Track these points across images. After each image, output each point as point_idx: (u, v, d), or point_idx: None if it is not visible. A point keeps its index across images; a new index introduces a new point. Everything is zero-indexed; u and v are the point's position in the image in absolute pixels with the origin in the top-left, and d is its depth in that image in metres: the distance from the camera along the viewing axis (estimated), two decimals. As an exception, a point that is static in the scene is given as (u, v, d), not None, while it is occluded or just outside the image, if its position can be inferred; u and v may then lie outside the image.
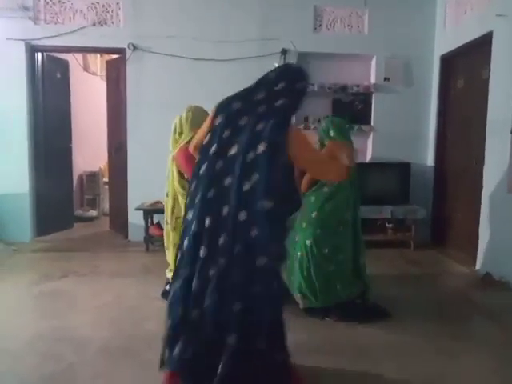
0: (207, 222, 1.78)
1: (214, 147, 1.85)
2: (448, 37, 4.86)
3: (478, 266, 4.09)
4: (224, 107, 1.93)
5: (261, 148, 1.74)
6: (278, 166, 1.76)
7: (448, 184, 4.95)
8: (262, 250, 1.72)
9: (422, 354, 2.54)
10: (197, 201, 1.84)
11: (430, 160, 5.21)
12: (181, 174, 3.08)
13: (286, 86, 1.92)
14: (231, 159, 1.79)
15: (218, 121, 1.89)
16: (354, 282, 3.09)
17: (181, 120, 3.09)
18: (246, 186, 1.74)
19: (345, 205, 3.05)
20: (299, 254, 3.03)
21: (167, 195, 3.22)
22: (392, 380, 2.29)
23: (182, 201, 3.06)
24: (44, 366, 2.36)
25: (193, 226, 1.82)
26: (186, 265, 1.85)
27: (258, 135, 1.77)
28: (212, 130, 1.90)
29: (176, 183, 3.11)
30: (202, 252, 1.79)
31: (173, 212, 3.17)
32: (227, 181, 1.78)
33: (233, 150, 1.80)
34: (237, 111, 1.88)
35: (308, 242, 2.99)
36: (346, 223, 3.06)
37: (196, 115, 3.02)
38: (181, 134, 3.08)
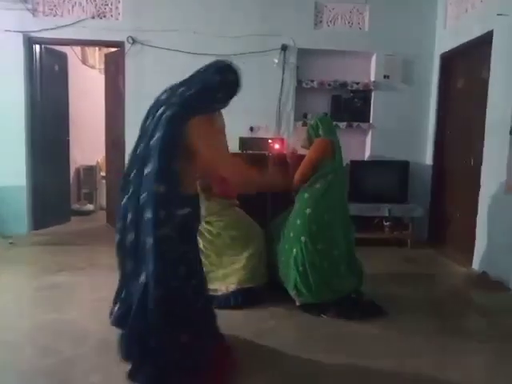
0: (124, 199, 1.96)
1: (138, 134, 2.05)
2: (448, 35, 4.86)
3: (474, 265, 4.11)
4: (156, 99, 2.06)
5: (157, 136, 1.88)
6: (173, 154, 1.87)
7: (446, 183, 4.96)
8: (150, 231, 1.84)
9: (419, 351, 2.56)
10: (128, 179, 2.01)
11: (428, 159, 5.22)
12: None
13: (200, 79, 2.05)
14: (145, 145, 1.95)
15: (147, 110, 2.05)
16: (349, 277, 3.11)
17: None
18: (146, 170, 1.88)
19: (338, 200, 3.11)
20: (294, 250, 3.04)
21: None
22: (391, 376, 2.31)
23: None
24: (42, 358, 2.37)
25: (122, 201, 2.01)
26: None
27: (159, 124, 1.90)
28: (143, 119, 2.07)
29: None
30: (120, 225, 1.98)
31: None
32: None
33: (145, 138, 1.96)
34: (159, 101, 2.02)
35: (303, 239, 3.01)
36: (340, 219, 3.11)
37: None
38: None
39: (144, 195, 1.86)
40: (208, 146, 1.93)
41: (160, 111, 1.93)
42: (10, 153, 4.87)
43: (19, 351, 2.46)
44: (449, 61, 4.97)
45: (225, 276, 3.09)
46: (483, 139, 4.06)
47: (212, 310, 2.22)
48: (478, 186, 4.09)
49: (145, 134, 1.97)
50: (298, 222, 3.07)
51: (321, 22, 5.08)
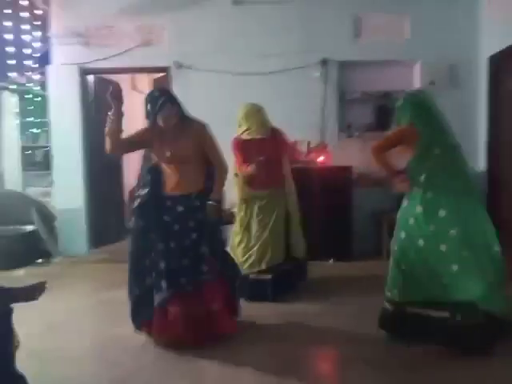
0: None
1: None
2: (496, 36, 4.70)
3: None
4: None
5: None
6: None
7: (502, 191, 4.71)
8: None
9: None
10: None
11: (481, 165, 5.02)
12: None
13: None
14: None
15: None
16: (465, 281, 2.52)
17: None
18: None
19: (416, 206, 2.68)
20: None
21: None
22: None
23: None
24: (106, 372, 2.49)
25: None
26: None
27: None
28: None
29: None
30: None
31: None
32: None
33: None
34: None
35: (395, 247, 2.75)
36: (442, 224, 2.62)
37: (247, 111, 3.63)
38: (240, 126, 3.65)
39: None
40: None
41: None
42: (69, 177, 5.20)
43: (85, 365, 2.60)
44: (499, 62, 4.79)
45: None
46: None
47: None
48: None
49: None
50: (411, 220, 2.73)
51: (360, 33, 5.08)
